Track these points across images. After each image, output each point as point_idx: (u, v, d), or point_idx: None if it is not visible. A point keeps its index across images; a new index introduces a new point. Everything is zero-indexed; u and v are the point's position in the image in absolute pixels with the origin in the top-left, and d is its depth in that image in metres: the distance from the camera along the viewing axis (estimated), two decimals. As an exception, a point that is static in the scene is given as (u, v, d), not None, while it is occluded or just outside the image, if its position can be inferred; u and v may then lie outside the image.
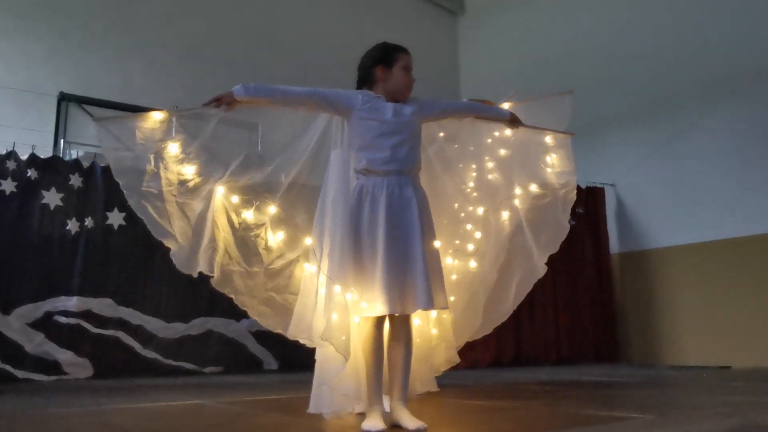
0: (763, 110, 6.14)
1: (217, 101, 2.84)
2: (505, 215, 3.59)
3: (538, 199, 3.62)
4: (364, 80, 2.82)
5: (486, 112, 3.36)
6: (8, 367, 4.91)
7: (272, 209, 3.08)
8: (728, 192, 6.32)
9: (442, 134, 3.39)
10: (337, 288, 2.45)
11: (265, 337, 5.81)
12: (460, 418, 2.81)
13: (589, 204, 7.29)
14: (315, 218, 2.74)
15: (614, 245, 7.39)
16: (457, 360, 3.60)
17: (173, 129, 2.98)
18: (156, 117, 2.99)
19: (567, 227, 3.62)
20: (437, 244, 2.73)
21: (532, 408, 3.03)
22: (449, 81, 10.01)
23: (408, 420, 2.36)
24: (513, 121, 3.37)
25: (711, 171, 6.50)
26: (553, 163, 3.68)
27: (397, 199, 2.57)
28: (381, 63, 2.76)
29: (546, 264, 3.58)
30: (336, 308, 2.44)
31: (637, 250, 7.19)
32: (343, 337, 2.43)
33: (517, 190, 3.62)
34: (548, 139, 3.67)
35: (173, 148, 2.99)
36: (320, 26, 8.87)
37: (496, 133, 3.53)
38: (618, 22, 7.70)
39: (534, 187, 3.64)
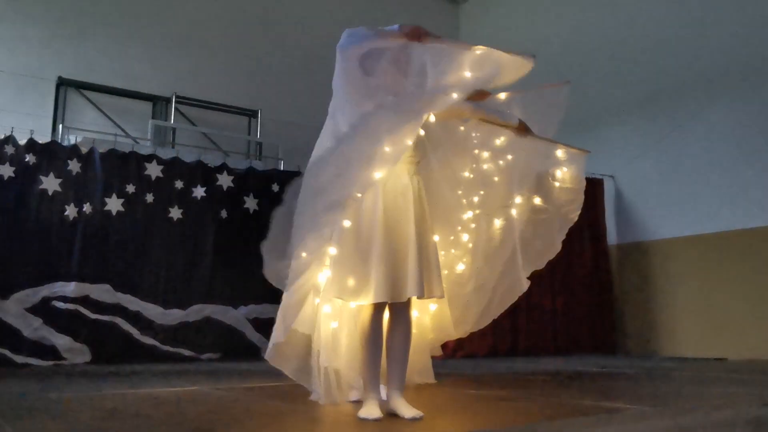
0: (762, 103, 6.13)
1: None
2: (498, 223, 3.43)
3: (536, 213, 3.48)
4: None
5: (493, 115, 3.21)
6: (6, 352, 4.92)
7: None
8: (727, 184, 6.32)
9: (446, 135, 3.24)
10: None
11: (263, 325, 5.82)
12: (456, 408, 2.83)
13: (587, 195, 7.13)
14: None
15: (612, 236, 7.39)
16: (439, 352, 3.68)
17: None
18: None
19: (559, 247, 3.49)
20: (436, 238, 2.73)
21: (528, 398, 3.04)
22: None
23: (404, 409, 2.37)
24: (521, 129, 3.22)
25: (710, 163, 6.49)
26: (563, 177, 3.54)
27: (392, 187, 2.56)
28: None
29: (528, 279, 3.42)
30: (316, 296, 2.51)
31: (635, 242, 7.20)
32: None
33: (518, 200, 3.45)
34: (560, 153, 3.51)
35: None
36: (320, 12, 8.81)
37: (502, 138, 3.37)
38: (620, 14, 7.66)
39: (537, 200, 3.48)
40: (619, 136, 7.46)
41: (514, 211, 3.42)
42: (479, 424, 2.39)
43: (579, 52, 8.05)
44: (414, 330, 2.78)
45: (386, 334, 2.61)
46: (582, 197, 3.58)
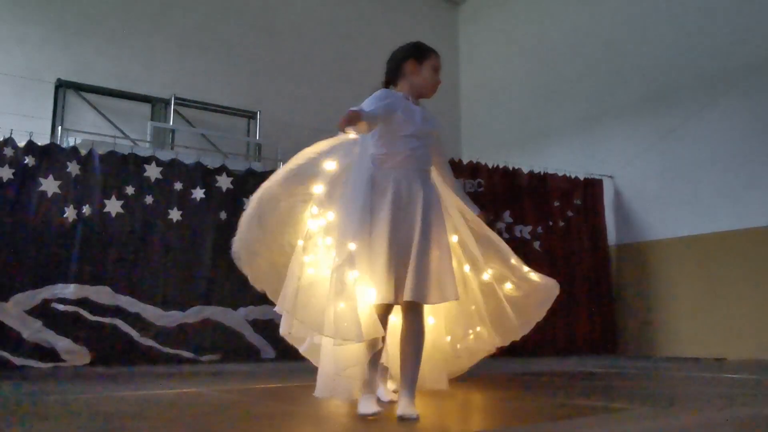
0: (762, 103, 6.13)
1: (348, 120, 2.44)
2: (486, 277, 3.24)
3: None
4: (393, 72, 2.87)
5: (459, 192, 3.13)
6: (6, 354, 4.91)
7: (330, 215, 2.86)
8: (726, 185, 6.32)
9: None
10: (351, 275, 2.43)
11: (263, 326, 5.82)
12: (455, 408, 2.82)
13: (587, 195, 7.29)
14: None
15: (612, 237, 7.39)
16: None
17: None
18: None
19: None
20: (455, 238, 2.75)
21: (527, 399, 3.04)
22: (449, 70, 9.95)
23: (404, 407, 2.37)
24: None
25: (709, 163, 6.50)
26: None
27: (405, 192, 2.60)
28: (413, 57, 2.85)
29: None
30: (342, 297, 2.41)
31: (635, 242, 7.20)
32: (345, 324, 2.39)
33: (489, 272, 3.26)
34: (527, 271, 3.44)
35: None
36: (319, 14, 8.83)
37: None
38: (618, 14, 7.67)
39: (509, 285, 3.41)
40: (618, 137, 7.47)
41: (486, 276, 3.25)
42: (479, 424, 2.39)
43: (578, 52, 8.06)
44: (428, 335, 2.75)
45: (400, 338, 2.62)
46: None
